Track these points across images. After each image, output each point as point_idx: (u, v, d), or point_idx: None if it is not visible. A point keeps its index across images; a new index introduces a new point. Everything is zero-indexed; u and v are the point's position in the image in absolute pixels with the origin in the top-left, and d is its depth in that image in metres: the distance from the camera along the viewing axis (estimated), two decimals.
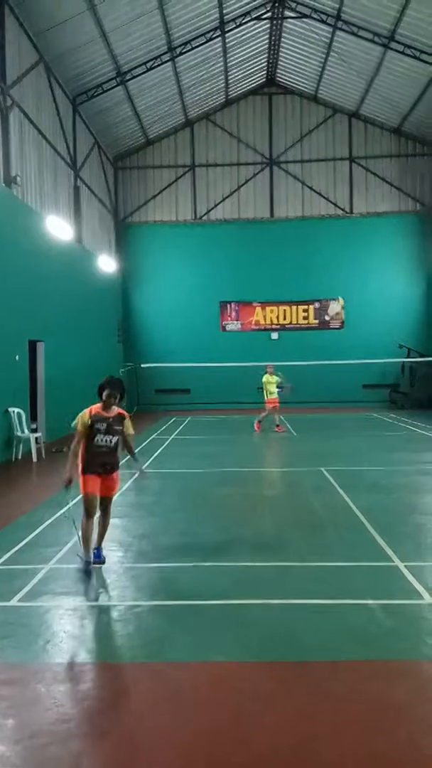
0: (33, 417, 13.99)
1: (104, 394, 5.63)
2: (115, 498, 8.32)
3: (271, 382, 15.93)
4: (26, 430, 12.30)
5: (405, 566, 5.35)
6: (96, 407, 5.65)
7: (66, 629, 4.32)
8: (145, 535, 6.64)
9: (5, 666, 3.83)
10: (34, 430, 12.78)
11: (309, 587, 4.98)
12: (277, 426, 15.86)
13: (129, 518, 7.41)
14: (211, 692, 3.49)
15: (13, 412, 12.16)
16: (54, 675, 3.69)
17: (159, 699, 3.42)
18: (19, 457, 12.09)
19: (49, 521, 7.17)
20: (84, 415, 5.55)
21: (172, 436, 15.51)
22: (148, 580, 5.27)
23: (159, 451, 12.95)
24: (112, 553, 6.05)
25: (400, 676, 3.65)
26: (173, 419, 19.90)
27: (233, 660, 3.84)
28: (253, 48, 21.05)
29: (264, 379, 16.10)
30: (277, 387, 15.93)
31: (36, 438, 12.26)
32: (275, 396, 15.92)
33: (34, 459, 11.86)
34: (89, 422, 5.50)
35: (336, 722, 3.18)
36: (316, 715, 3.23)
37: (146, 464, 11.22)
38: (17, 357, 12.97)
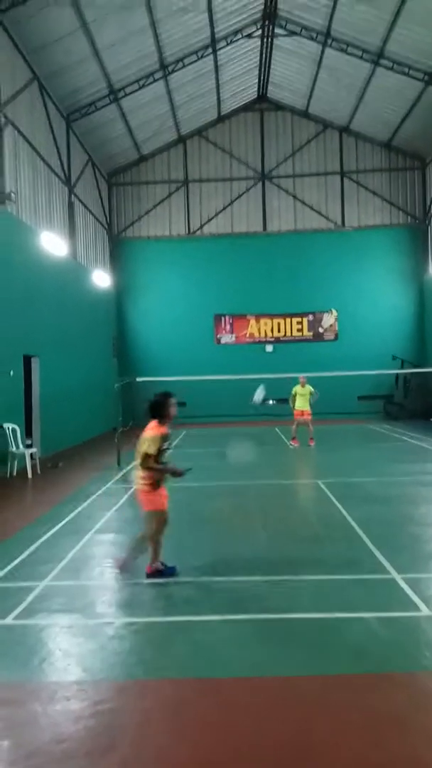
0: (28, 433, 13.96)
1: (170, 411, 5.64)
2: (110, 513, 8.34)
3: (302, 394, 15.46)
4: (21, 446, 12.26)
5: (402, 578, 5.35)
6: (160, 427, 5.57)
7: (62, 647, 4.29)
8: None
9: (0, 685, 3.80)
10: (29, 446, 12.74)
11: (305, 601, 4.96)
12: (310, 439, 15.49)
13: (124, 534, 7.38)
14: (208, 708, 3.47)
15: (8, 428, 12.13)
16: (50, 694, 3.66)
17: (156, 717, 3.40)
18: (14, 473, 12.03)
19: (44, 538, 7.13)
20: (156, 439, 5.47)
21: (168, 451, 15.46)
22: (143, 596, 5.24)
23: None
24: (109, 569, 6.02)
25: (398, 688, 3.64)
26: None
27: (230, 676, 3.81)
28: (245, 65, 21.34)
29: (294, 390, 15.64)
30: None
31: (31, 454, 12.22)
32: (304, 408, 15.44)
33: (29, 475, 11.81)
34: (161, 443, 5.49)
35: (334, 735, 3.16)
36: (313, 729, 3.21)
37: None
38: (12, 372, 12.96)
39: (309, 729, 3.22)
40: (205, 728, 3.28)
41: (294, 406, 15.72)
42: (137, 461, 5.56)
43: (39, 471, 12.29)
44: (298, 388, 15.73)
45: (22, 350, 13.72)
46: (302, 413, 15.48)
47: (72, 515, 8.28)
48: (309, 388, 15.61)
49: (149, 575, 5.57)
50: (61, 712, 3.47)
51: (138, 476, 5.60)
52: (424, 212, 24.13)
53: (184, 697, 3.60)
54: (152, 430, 5.53)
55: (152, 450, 5.41)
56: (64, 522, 7.89)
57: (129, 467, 12.56)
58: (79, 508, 8.70)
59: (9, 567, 6.05)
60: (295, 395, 15.76)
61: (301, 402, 15.53)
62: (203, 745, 3.12)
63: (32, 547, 6.73)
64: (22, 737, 3.23)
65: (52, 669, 3.97)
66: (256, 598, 5.10)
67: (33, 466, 12.12)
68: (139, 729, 3.28)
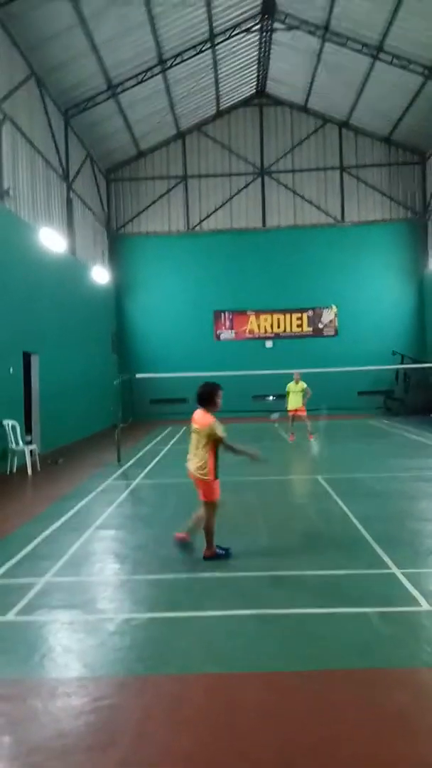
0: (28, 429, 13.96)
1: (218, 401, 5.91)
2: (110, 509, 8.35)
3: (295, 392, 15.25)
4: (21, 443, 12.25)
5: (402, 573, 5.35)
6: (211, 416, 5.81)
7: (62, 643, 4.29)
8: (141, 546, 6.61)
9: (1, 681, 3.80)
10: (29, 443, 12.74)
11: (306, 596, 4.96)
12: (309, 434, 15.44)
13: (125, 530, 7.38)
14: (209, 704, 3.47)
15: (8, 424, 12.13)
16: (50, 690, 3.66)
17: (157, 712, 3.40)
18: (14, 470, 12.03)
19: (45, 534, 7.13)
20: (218, 423, 5.74)
21: (168, 446, 15.48)
22: (144, 592, 5.24)
23: (155, 461, 12.92)
24: (109, 565, 6.03)
25: (399, 683, 3.64)
26: (169, 429, 19.88)
27: (231, 671, 3.81)
28: (243, 60, 21.26)
29: (288, 387, 15.46)
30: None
31: (31, 450, 12.22)
32: (297, 406, 15.21)
33: (29, 472, 11.82)
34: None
35: (336, 731, 3.16)
36: (315, 725, 3.21)
37: (142, 475, 11.21)
38: (11, 369, 12.95)
39: (311, 725, 3.22)
40: (205, 724, 3.27)
41: (287, 403, 15.57)
42: (196, 450, 5.83)
43: (39, 468, 12.28)
44: (291, 386, 15.57)
45: (22, 347, 13.71)
46: (295, 411, 15.32)
47: (72, 512, 8.28)
48: (302, 384, 15.48)
49: (207, 558, 5.90)
50: (62, 708, 3.46)
51: (197, 466, 5.82)
52: (423, 207, 24.08)
53: (184, 693, 3.60)
54: (206, 416, 5.79)
55: (222, 432, 5.68)
56: (64, 518, 7.89)
57: (129, 463, 12.56)
58: (80, 505, 8.70)
59: (10, 563, 6.05)
60: (288, 393, 15.62)
61: (294, 400, 15.28)
62: (204, 741, 3.12)
63: (32, 544, 6.73)
64: (23, 733, 3.23)
65: (53, 665, 3.97)
66: (257, 593, 5.10)
67: (33, 463, 12.12)
68: (139, 725, 3.28)
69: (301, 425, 15.56)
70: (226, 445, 5.75)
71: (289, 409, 15.47)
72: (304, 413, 15.39)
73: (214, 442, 5.75)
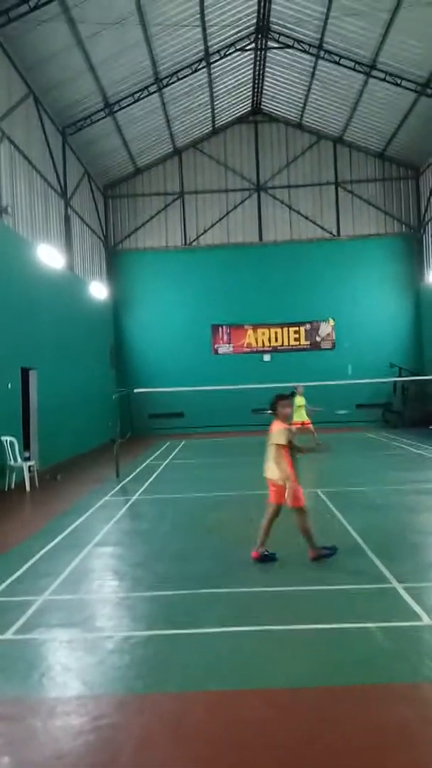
0: (26, 445, 13.92)
1: (281, 410, 6.25)
2: (109, 526, 8.31)
3: (299, 405, 15.32)
4: (19, 459, 12.22)
5: (403, 587, 5.32)
6: (280, 424, 6.19)
7: (61, 662, 4.25)
8: (139, 563, 6.57)
9: (0, 701, 3.76)
10: (27, 459, 12.70)
11: (307, 612, 4.93)
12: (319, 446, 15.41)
13: (123, 546, 7.35)
14: (210, 722, 3.44)
15: (6, 440, 12.10)
16: (50, 709, 3.62)
17: (157, 731, 3.36)
18: (12, 486, 11.99)
19: (43, 552, 7.09)
20: (282, 431, 6.13)
21: (167, 461, 15.45)
22: (143, 609, 5.21)
23: (154, 476, 12.89)
24: (108, 582, 5.99)
25: (401, 699, 3.61)
26: (168, 443, 19.86)
27: (232, 688, 3.78)
28: (238, 78, 21.55)
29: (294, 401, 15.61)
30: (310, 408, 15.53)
31: (29, 467, 12.18)
32: (303, 419, 15.28)
33: (28, 488, 11.77)
34: (289, 435, 6.16)
35: (337, 747, 3.13)
36: (316, 741, 3.18)
37: (141, 490, 11.17)
38: (9, 385, 12.95)
39: (312, 742, 3.19)
40: (206, 742, 3.24)
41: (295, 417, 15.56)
42: (271, 457, 6.19)
43: (37, 484, 12.24)
44: (296, 399, 15.59)
45: (20, 363, 13.72)
46: (302, 424, 15.35)
47: (71, 528, 8.25)
48: (302, 399, 15.58)
49: (255, 559, 6.19)
50: (61, 727, 3.43)
51: (274, 473, 6.15)
52: (418, 221, 24.28)
53: (184, 711, 3.56)
54: (275, 424, 6.24)
55: (282, 440, 6.05)
56: (63, 535, 7.85)
57: (128, 479, 12.52)
58: (78, 521, 8.66)
59: (8, 581, 6.01)
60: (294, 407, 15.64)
61: (298, 414, 15.31)
62: (204, 759, 3.09)
63: (31, 561, 6.69)
64: (22, 753, 3.20)
65: (52, 684, 3.94)
66: (258, 609, 5.07)
67: (31, 479, 12.08)
68: (139, 743, 3.24)
69: (303, 438, 15.54)
70: (293, 447, 6.17)
71: (294, 422, 15.47)
72: (310, 425, 15.50)
73: (287, 449, 6.07)
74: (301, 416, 15.42)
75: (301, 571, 6.00)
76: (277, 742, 3.20)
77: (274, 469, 6.14)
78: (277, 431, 6.14)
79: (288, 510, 6.21)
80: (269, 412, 6.38)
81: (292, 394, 15.37)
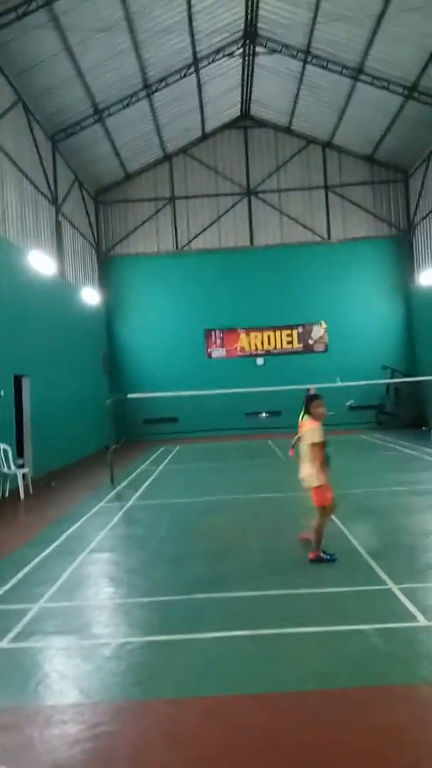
0: (20, 453, 13.87)
1: (316, 410, 6.38)
2: (104, 532, 8.29)
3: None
4: (13, 467, 12.17)
5: (399, 588, 5.33)
6: (313, 422, 6.30)
7: (57, 670, 4.23)
8: (135, 569, 6.56)
9: None
10: (21, 466, 12.65)
11: (302, 615, 4.93)
12: None
13: (119, 552, 7.33)
14: (206, 727, 3.43)
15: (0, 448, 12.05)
16: (46, 717, 3.61)
17: (154, 737, 3.35)
18: (7, 494, 11.93)
19: (38, 559, 7.06)
20: (315, 430, 6.22)
21: (161, 466, 15.43)
22: (139, 615, 5.19)
23: (148, 481, 12.86)
24: (103, 589, 5.98)
25: (398, 700, 3.61)
26: (162, 448, 19.84)
27: (228, 693, 3.78)
28: (227, 83, 21.62)
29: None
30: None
31: (23, 474, 12.13)
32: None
33: (22, 496, 11.72)
34: (322, 434, 6.21)
35: (334, 750, 3.13)
36: (313, 745, 3.18)
37: (135, 496, 11.14)
38: (2, 392, 12.91)
39: (310, 745, 3.19)
40: (203, 747, 3.24)
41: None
42: (304, 457, 6.29)
43: (31, 491, 12.19)
44: None
45: (12, 370, 13.68)
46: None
47: (66, 535, 8.22)
48: None
49: (312, 560, 6.24)
50: (58, 736, 3.41)
51: (306, 473, 6.25)
52: (407, 223, 24.42)
53: (182, 717, 3.56)
54: (307, 422, 6.38)
55: (317, 438, 6.15)
56: (57, 542, 7.82)
57: (122, 485, 12.50)
58: (73, 528, 8.63)
59: (3, 589, 5.98)
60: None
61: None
62: (201, 765, 3.08)
63: (26, 569, 6.66)
64: (19, 763, 3.18)
65: (49, 692, 3.92)
66: (253, 613, 5.07)
67: (25, 487, 12.03)
68: (136, 750, 3.23)
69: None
70: (320, 448, 6.15)
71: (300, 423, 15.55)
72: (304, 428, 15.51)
73: (320, 448, 6.14)
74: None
75: (296, 574, 6.00)
76: (273, 746, 3.20)
77: (309, 471, 6.22)
78: (311, 429, 6.23)
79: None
80: (302, 413, 6.55)
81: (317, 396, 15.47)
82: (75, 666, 4.29)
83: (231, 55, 19.51)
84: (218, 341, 24.62)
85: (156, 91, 19.28)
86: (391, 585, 5.45)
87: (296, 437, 15.51)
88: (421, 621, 4.64)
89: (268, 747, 3.19)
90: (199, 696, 3.77)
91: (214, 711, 3.59)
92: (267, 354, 24.51)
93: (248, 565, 6.40)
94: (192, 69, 19.24)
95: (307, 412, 6.47)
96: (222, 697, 3.73)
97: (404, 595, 5.17)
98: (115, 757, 3.19)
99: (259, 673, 4.02)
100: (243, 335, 24.59)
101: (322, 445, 6.18)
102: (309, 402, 6.50)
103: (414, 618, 4.70)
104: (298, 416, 7.03)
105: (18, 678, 4.12)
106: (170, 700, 3.73)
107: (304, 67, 19.43)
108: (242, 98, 23.21)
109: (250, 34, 18.81)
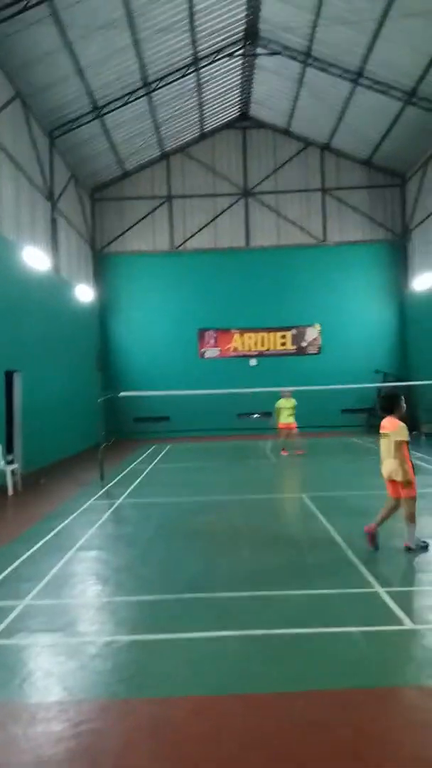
0: (9, 449, 13.80)
1: (401, 407, 6.51)
2: (93, 530, 8.26)
3: (286, 407, 15.67)
4: (2, 462, 12.11)
5: (385, 591, 5.35)
6: (397, 420, 6.42)
7: (43, 667, 4.22)
8: (123, 567, 6.55)
9: None
10: (11, 462, 12.59)
11: (290, 617, 4.94)
12: (297, 450, 15.68)
13: (107, 550, 7.31)
14: (192, 728, 3.43)
15: None
16: (31, 715, 3.59)
17: (139, 737, 3.34)
18: None
19: (25, 556, 7.03)
20: (404, 427, 6.36)
21: (152, 465, 15.40)
22: (126, 613, 5.18)
23: (138, 480, 12.84)
24: (91, 587, 5.96)
25: (384, 702, 3.62)
26: (153, 447, 19.81)
27: (214, 694, 3.77)
28: (227, 83, 21.62)
29: (278, 404, 15.88)
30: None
31: (12, 470, 12.07)
32: (289, 421, 15.68)
33: (10, 492, 11.67)
34: (408, 431, 6.39)
35: (321, 752, 3.13)
36: (300, 746, 3.18)
37: (125, 494, 11.12)
38: None
39: (296, 746, 3.19)
40: (188, 748, 3.23)
41: (279, 419, 15.81)
42: (388, 454, 6.39)
43: (21, 487, 12.14)
44: (282, 402, 15.81)
45: (4, 365, 13.61)
46: (288, 426, 15.57)
47: (54, 532, 8.19)
48: (293, 401, 15.71)
49: (408, 549, 6.53)
50: (42, 733, 3.40)
51: (393, 469, 6.36)
52: (403, 228, 24.51)
53: (167, 716, 3.55)
54: (394, 421, 6.43)
55: (405, 436, 6.28)
56: (45, 539, 7.79)
57: (112, 482, 12.46)
58: (61, 525, 8.60)
59: None
60: (279, 409, 15.84)
61: (286, 416, 15.62)
62: (187, 765, 3.08)
63: (13, 565, 6.63)
64: (2, 760, 3.16)
65: (33, 689, 3.90)
66: (241, 613, 5.06)
67: (14, 483, 11.97)
68: (120, 749, 3.22)
69: (289, 442, 15.72)
70: (406, 446, 6.29)
71: (280, 423, 15.73)
72: (296, 430, 15.66)
73: (407, 445, 6.28)
74: (289, 419, 15.60)
75: (284, 575, 6.01)
76: (260, 747, 3.20)
77: (396, 468, 6.29)
78: (401, 427, 6.32)
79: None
80: (382, 413, 6.57)
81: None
82: (60, 663, 4.27)
83: (231, 55, 19.49)
84: (212, 341, 24.61)
85: (155, 89, 19.25)
86: (378, 588, 5.47)
87: (282, 436, 15.60)
88: (407, 624, 4.66)
89: (255, 747, 3.19)
90: (186, 696, 3.76)
91: (200, 711, 3.59)
92: (260, 355, 24.53)
93: (236, 566, 6.40)
94: (192, 68, 19.21)
95: (390, 411, 6.51)
96: (208, 697, 3.73)
97: (391, 598, 5.19)
98: (99, 755, 3.18)
99: (246, 673, 4.02)
100: (237, 336, 24.60)
101: (408, 443, 6.36)
102: (393, 401, 6.53)
103: (400, 621, 4.72)
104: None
105: (2, 675, 4.09)
106: (156, 699, 3.73)
107: (304, 69, 19.45)
108: (242, 99, 23.21)
109: (251, 35, 18.81)
